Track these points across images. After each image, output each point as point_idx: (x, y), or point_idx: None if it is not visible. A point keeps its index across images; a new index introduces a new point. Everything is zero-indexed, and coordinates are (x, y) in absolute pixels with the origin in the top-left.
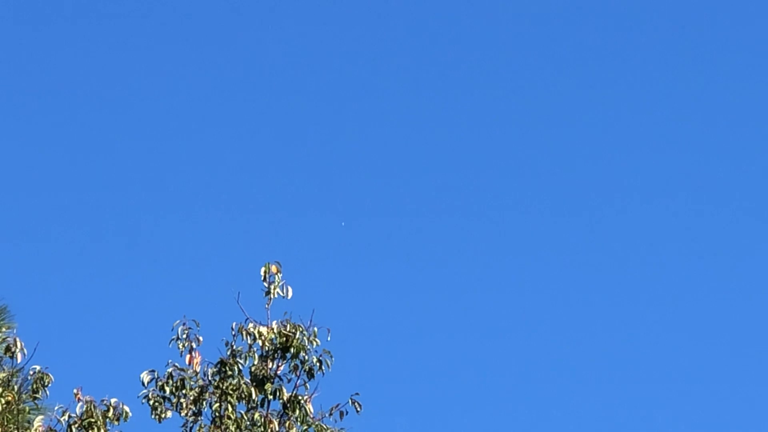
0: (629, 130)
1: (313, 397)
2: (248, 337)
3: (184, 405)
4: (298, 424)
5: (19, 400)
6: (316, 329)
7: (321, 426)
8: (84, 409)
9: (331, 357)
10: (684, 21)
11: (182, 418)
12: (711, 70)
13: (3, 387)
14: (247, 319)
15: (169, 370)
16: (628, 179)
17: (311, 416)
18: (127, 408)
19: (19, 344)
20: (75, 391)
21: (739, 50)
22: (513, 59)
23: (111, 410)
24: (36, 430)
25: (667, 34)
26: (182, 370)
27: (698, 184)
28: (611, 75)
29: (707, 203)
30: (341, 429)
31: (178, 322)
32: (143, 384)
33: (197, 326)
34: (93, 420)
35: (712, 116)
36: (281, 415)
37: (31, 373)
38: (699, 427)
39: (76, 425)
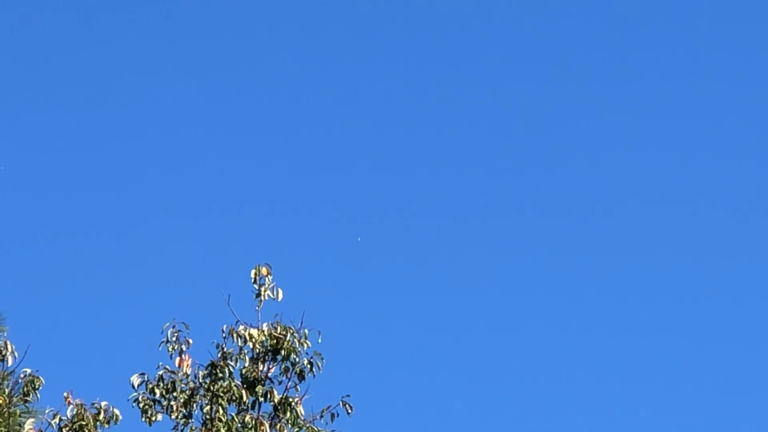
0: (628, 131)
1: (304, 399)
2: (239, 339)
3: (175, 408)
4: (289, 426)
5: (10, 403)
6: (306, 331)
7: (312, 428)
8: (74, 412)
9: (322, 359)
10: (680, 22)
11: (173, 420)
12: (708, 72)
13: None
14: (238, 321)
15: (160, 372)
16: (626, 180)
17: (302, 418)
18: (117, 411)
19: (9, 347)
20: (65, 394)
21: (736, 50)
22: (513, 59)
23: (101, 413)
24: None
25: (663, 34)
26: (173, 372)
27: (696, 185)
28: (609, 76)
29: (705, 204)
30: (332, 431)
31: (167, 324)
32: (133, 387)
33: (187, 329)
34: (83, 423)
35: (709, 117)
36: (272, 418)
37: (22, 376)
38: (697, 426)
39: (67, 428)
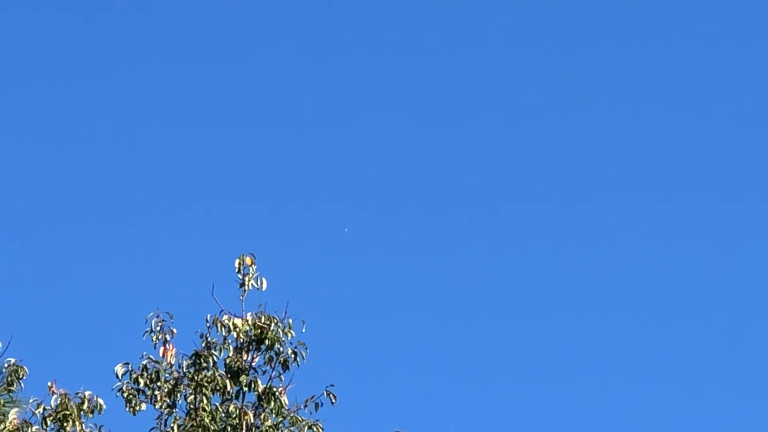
0: (627, 128)
1: (288, 388)
2: (223, 329)
3: (159, 397)
4: (273, 415)
5: None
6: (290, 321)
7: (296, 418)
8: (58, 401)
9: (306, 349)
10: (674, 19)
11: (157, 410)
12: (707, 69)
13: None
14: (222, 311)
15: (144, 362)
16: (627, 178)
17: (286, 408)
18: (101, 401)
19: None
20: (49, 383)
21: (734, 49)
22: (513, 59)
23: (85, 403)
24: (11, 422)
25: (660, 32)
26: (157, 362)
27: (696, 183)
28: (608, 74)
29: (706, 202)
30: (316, 420)
31: (151, 314)
32: (117, 377)
33: (171, 318)
34: (68, 413)
35: (708, 114)
36: (256, 407)
37: (6, 365)
38: (698, 426)
39: (51, 418)
